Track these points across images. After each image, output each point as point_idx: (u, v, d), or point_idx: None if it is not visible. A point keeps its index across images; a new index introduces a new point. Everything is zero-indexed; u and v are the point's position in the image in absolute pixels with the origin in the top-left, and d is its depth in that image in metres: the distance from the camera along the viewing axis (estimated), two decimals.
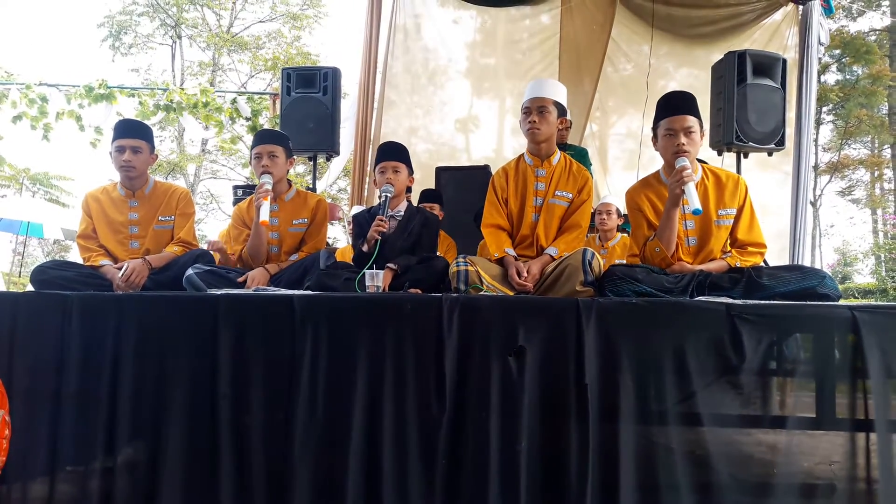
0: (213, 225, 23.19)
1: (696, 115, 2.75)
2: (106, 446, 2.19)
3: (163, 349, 2.21)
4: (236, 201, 4.65)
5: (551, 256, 2.91)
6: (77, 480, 2.20)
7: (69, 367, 2.22)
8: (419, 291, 2.74)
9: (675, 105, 2.76)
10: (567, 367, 2.09)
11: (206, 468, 2.13)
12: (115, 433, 2.18)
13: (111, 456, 2.20)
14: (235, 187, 5.16)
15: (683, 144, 2.67)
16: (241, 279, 3.05)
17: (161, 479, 2.14)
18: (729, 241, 2.81)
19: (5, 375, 2.15)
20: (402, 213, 3.25)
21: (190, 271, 2.96)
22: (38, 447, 2.19)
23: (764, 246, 2.80)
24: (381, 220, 2.99)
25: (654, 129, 2.83)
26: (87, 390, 2.20)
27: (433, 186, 5.15)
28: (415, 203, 4.51)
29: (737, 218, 2.77)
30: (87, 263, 3.22)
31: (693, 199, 2.54)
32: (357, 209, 4.51)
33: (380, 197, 3.14)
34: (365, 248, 3.04)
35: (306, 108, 4.56)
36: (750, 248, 2.77)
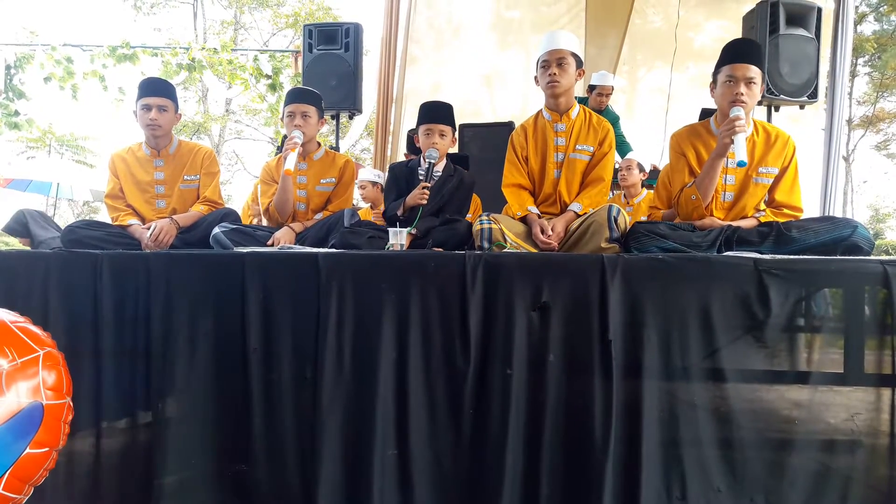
0: (238, 185, 23.35)
1: (761, 66, 2.65)
2: (139, 402, 2.25)
3: (191, 306, 2.24)
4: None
5: (575, 213, 2.87)
6: (114, 435, 2.27)
7: (101, 325, 2.26)
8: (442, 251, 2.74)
9: (740, 52, 2.65)
10: (591, 323, 2.08)
11: (240, 421, 2.17)
12: (149, 389, 2.23)
13: (145, 412, 2.25)
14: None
15: (742, 94, 2.58)
16: (269, 242, 3.06)
17: (195, 434, 2.20)
18: (766, 200, 2.75)
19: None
20: (440, 174, 3.22)
21: (217, 230, 2.99)
22: (76, 404, 2.25)
23: (800, 210, 2.72)
24: (425, 191, 2.97)
25: (715, 74, 2.73)
26: (118, 346, 2.25)
27: (457, 144, 5.10)
28: None
29: (778, 178, 2.70)
30: (116, 223, 3.26)
31: (740, 151, 2.47)
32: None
33: (424, 164, 3.11)
34: (399, 211, 3.02)
35: (328, 65, 4.53)
36: (786, 210, 2.70)
